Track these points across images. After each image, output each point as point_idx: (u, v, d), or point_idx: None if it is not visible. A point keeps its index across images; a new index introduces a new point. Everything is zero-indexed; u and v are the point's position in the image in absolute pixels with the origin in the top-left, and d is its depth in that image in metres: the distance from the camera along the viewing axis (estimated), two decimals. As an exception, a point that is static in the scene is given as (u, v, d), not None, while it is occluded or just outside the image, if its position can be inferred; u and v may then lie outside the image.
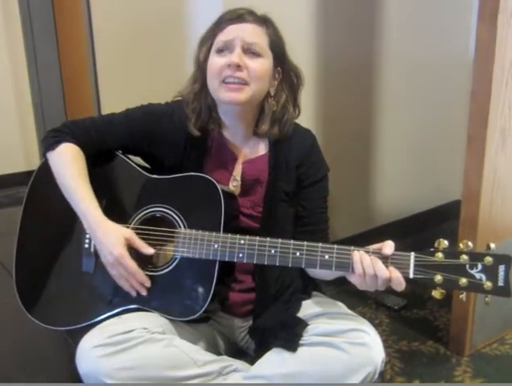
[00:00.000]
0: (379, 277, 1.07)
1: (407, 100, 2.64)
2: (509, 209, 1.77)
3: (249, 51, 1.21)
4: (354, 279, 1.12)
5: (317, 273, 1.29)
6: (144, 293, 1.21)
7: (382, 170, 2.64)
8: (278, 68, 1.28)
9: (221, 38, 1.22)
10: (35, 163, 1.82)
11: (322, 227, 1.34)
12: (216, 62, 1.21)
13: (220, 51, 1.22)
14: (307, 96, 2.18)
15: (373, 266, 1.08)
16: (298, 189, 1.31)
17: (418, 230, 2.65)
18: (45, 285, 1.29)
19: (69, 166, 1.25)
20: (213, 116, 1.29)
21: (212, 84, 1.23)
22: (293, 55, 1.31)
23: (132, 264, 1.18)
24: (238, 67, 1.19)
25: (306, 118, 1.37)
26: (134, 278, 1.20)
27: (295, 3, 2.15)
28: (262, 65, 1.22)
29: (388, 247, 1.09)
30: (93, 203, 1.22)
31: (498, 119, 1.64)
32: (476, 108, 1.65)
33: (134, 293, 1.22)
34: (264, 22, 1.25)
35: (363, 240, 1.13)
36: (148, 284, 1.21)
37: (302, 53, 2.20)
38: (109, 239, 1.19)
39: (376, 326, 1.21)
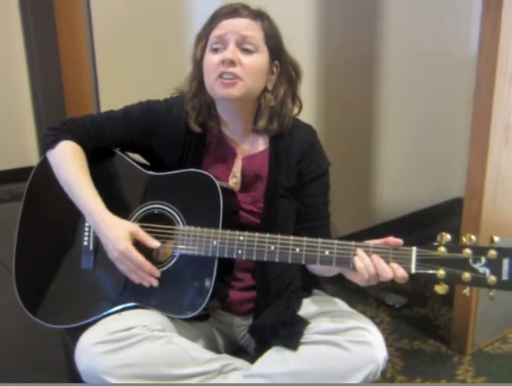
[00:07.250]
0: (382, 277, 1.07)
1: (408, 97, 2.64)
2: (512, 207, 1.76)
3: (244, 46, 1.20)
4: (354, 277, 1.11)
5: (317, 269, 1.27)
6: (155, 283, 1.20)
7: (383, 167, 2.64)
8: (276, 62, 1.26)
9: (215, 33, 1.21)
10: (33, 159, 1.82)
11: (323, 223, 1.33)
12: (211, 60, 1.21)
13: (214, 48, 1.21)
14: (308, 92, 2.19)
15: (375, 266, 1.07)
16: (299, 184, 1.30)
17: (418, 228, 2.63)
18: (45, 282, 1.27)
19: (70, 163, 1.24)
20: (212, 112, 1.28)
21: (208, 81, 1.22)
22: (294, 49, 1.29)
23: (139, 257, 1.17)
24: (232, 62, 1.18)
25: (306, 113, 1.36)
26: (142, 270, 1.18)
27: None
28: (257, 61, 1.21)
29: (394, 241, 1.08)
30: (97, 199, 1.21)
31: (502, 115, 1.62)
32: (479, 103, 1.63)
33: (147, 285, 1.20)
34: (259, 16, 1.23)
35: (364, 237, 1.12)
36: (158, 274, 1.19)
37: (303, 46, 2.20)
38: (114, 233, 1.17)
39: (377, 324, 1.20)
